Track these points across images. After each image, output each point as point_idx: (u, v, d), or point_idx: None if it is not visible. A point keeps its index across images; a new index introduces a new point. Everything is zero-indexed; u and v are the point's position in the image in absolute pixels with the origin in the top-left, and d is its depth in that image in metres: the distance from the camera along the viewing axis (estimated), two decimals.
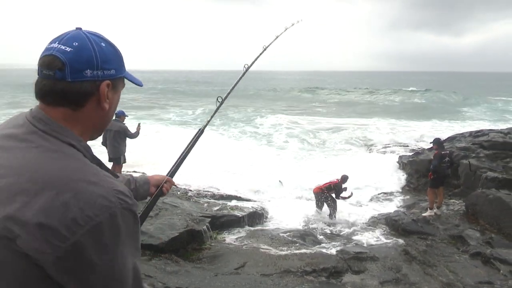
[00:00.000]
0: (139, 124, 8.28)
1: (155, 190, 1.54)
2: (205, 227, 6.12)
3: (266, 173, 11.63)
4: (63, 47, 0.90)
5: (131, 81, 1.07)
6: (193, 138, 1.72)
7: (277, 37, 2.36)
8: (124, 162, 8.24)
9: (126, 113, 8.34)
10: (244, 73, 2.00)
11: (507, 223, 6.83)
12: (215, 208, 7.41)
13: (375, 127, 21.17)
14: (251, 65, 2.06)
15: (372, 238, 6.92)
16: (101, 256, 0.82)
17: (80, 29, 0.96)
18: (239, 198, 8.60)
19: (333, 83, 73.11)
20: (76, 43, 0.90)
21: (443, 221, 7.58)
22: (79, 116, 0.93)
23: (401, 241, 6.68)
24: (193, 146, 1.70)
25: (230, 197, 8.57)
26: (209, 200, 8.24)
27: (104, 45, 0.95)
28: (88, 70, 0.90)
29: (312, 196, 8.88)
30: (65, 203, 0.80)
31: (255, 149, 15.47)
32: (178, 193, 8.18)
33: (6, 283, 0.82)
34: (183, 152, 1.67)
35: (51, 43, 0.92)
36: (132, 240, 0.89)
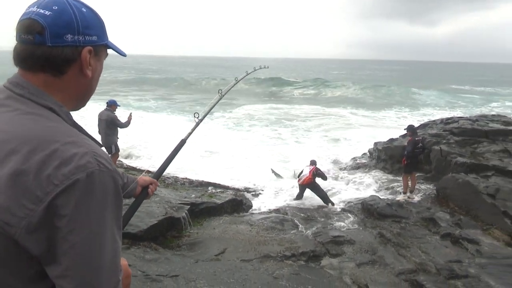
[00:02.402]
0: (130, 114, 8.12)
1: (141, 191, 1.60)
2: (184, 214, 6.08)
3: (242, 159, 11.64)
4: (42, 11, 0.85)
5: (114, 50, 1.03)
6: (175, 148, 1.85)
7: (247, 73, 2.97)
8: (118, 151, 8.07)
9: (118, 103, 8.16)
10: (221, 98, 2.31)
11: (475, 205, 7.17)
12: (194, 195, 7.37)
13: (344, 116, 21.61)
14: (226, 93, 2.35)
15: (349, 222, 7.10)
16: (76, 221, 0.76)
17: None
18: (217, 185, 8.58)
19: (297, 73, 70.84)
20: (56, 7, 0.86)
21: (416, 204, 7.88)
22: (60, 83, 0.90)
23: (376, 224, 6.90)
24: (175, 155, 1.83)
25: (208, 184, 8.54)
26: (187, 187, 8.18)
27: (85, 10, 0.91)
28: (69, 35, 0.87)
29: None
30: (40, 162, 0.76)
31: (227, 138, 15.47)
32: None
33: None
34: (166, 159, 1.79)
35: (29, 7, 0.88)
36: (112, 208, 0.82)
